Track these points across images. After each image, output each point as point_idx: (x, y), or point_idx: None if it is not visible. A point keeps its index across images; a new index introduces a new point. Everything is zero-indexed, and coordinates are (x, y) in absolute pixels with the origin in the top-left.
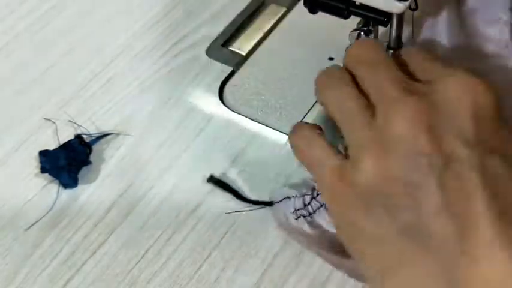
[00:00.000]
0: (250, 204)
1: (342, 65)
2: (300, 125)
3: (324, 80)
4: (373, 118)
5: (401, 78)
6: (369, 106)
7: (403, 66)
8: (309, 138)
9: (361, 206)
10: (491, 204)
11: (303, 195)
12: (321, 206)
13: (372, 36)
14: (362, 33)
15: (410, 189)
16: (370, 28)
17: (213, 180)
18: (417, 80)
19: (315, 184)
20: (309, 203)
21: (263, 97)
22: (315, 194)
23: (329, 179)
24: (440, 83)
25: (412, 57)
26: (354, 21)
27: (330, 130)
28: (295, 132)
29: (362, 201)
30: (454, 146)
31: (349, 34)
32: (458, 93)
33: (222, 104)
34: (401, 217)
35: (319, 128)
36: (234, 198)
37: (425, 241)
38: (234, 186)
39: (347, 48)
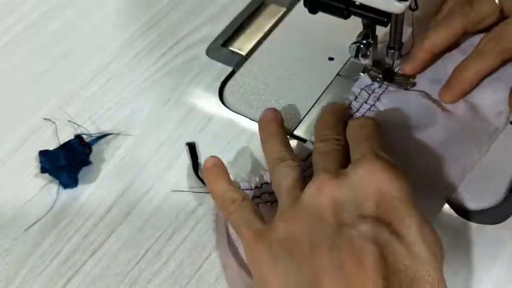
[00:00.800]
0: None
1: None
2: (230, 190)
3: (278, 161)
4: None
5: (328, 161)
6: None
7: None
8: (238, 203)
9: (271, 261)
10: (378, 270)
11: (252, 189)
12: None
13: (371, 49)
14: (362, 45)
15: (311, 249)
16: (370, 41)
17: (191, 146)
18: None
19: (265, 177)
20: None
21: (263, 97)
22: (263, 189)
23: (249, 240)
24: (353, 166)
25: (355, 133)
26: (354, 21)
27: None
28: (224, 193)
29: (272, 258)
30: (352, 216)
31: (349, 47)
32: (364, 176)
33: (222, 104)
34: (301, 272)
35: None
36: None
37: None
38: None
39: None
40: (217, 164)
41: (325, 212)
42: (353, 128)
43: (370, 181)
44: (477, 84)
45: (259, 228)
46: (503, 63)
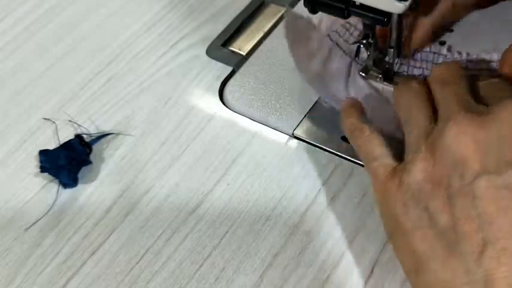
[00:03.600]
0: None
1: None
2: (360, 122)
3: (403, 89)
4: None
5: (465, 99)
6: (434, 119)
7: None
8: (369, 135)
9: (405, 204)
10: None
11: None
12: None
13: (371, 48)
14: (362, 46)
15: (451, 195)
16: (370, 41)
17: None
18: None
19: None
20: None
21: (263, 97)
22: None
23: (382, 176)
24: (498, 106)
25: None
26: (354, 21)
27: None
28: (353, 125)
29: (407, 200)
30: (497, 162)
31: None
32: (510, 116)
33: (222, 104)
34: (438, 219)
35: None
36: (235, 196)
37: (455, 243)
38: None
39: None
40: (353, 102)
41: (468, 156)
42: (486, 85)
43: None
44: (429, 40)
45: (392, 165)
46: (444, 19)
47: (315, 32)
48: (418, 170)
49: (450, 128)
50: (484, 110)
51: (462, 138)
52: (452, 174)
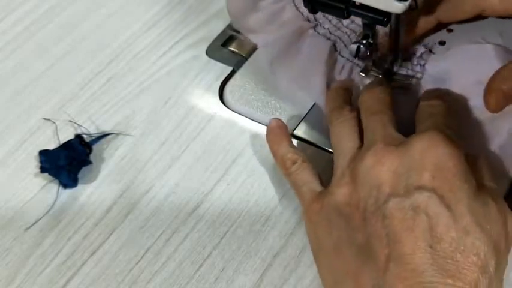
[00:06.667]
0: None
1: None
2: (292, 151)
3: (334, 116)
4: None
5: (387, 128)
6: (359, 146)
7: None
8: (301, 164)
9: (326, 224)
10: (426, 239)
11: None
12: None
13: (371, 49)
14: (362, 46)
15: (366, 216)
16: (370, 41)
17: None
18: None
19: None
20: None
21: (263, 97)
22: None
23: (307, 199)
24: (415, 138)
25: (423, 111)
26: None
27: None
28: (286, 154)
29: (328, 221)
30: (407, 186)
31: (349, 47)
32: (425, 149)
33: (222, 104)
34: (355, 237)
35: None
36: (235, 196)
37: (367, 260)
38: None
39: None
40: (281, 126)
41: (382, 182)
42: (422, 107)
43: (430, 153)
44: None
45: (317, 189)
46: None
47: None
48: (340, 194)
49: (369, 157)
50: (402, 140)
51: (379, 166)
52: (368, 197)
